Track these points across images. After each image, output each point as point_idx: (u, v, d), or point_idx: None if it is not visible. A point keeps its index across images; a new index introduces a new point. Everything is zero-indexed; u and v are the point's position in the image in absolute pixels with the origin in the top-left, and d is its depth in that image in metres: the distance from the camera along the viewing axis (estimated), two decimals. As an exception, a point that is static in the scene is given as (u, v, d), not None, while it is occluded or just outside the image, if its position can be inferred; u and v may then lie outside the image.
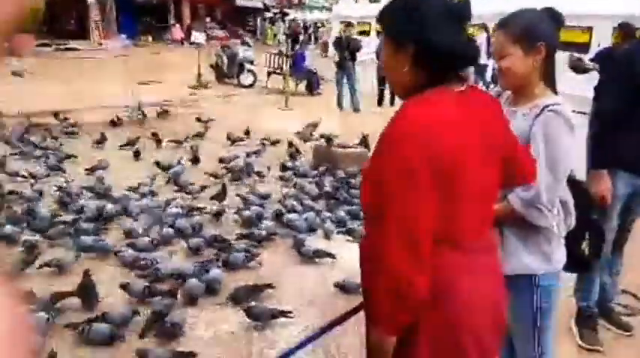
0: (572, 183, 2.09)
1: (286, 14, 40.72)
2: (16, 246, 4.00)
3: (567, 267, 2.12)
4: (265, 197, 5.23)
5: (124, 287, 3.38)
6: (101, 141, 7.21)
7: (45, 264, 3.66)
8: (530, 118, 1.92)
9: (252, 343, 3.03)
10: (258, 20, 40.84)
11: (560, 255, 2.01)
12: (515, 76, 1.96)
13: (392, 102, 10.90)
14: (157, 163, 6.08)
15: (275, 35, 31.47)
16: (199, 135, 7.84)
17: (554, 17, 1.99)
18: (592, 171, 2.97)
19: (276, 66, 13.94)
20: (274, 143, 7.44)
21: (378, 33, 11.73)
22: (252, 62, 14.35)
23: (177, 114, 9.42)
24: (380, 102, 11.84)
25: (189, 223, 4.44)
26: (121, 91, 11.29)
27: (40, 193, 5.05)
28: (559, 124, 1.87)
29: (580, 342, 3.15)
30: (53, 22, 24.55)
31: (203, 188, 5.43)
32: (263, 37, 35.72)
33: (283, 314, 3.18)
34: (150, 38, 29.91)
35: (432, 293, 1.42)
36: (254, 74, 14.11)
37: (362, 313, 1.75)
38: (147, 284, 3.43)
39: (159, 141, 7.34)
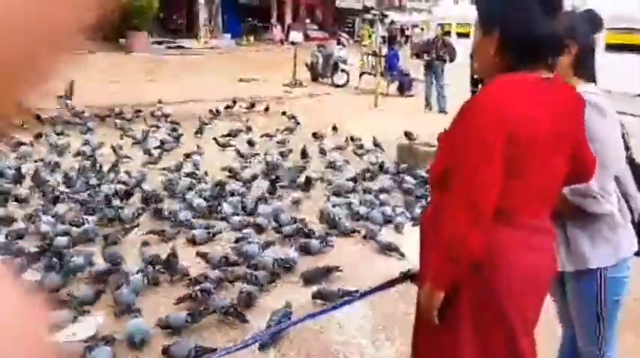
0: (631, 164, 2.10)
1: (385, 16, 40.75)
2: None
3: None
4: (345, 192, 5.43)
5: (204, 256, 3.75)
6: (200, 131, 7.79)
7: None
8: None
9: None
10: (357, 22, 41.16)
11: (627, 243, 2.00)
12: None
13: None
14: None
15: (370, 36, 31.64)
16: (289, 130, 8.22)
17: (591, 19, 2.02)
18: None
19: (369, 66, 14.13)
20: (357, 141, 7.61)
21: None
22: (345, 62, 14.63)
23: (270, 110, 9.90)
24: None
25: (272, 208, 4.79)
26: (222, 87, 12.05)
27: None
28: (591, 112, 1.88)
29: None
30: (165, 21, 26.34)
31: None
32: (360, 39, 35.94)
33: (349, 294, 3.37)
34: (252, 38, 31.22)
35: (483, 261, 1.56)
36: (347, 74, 14.38)
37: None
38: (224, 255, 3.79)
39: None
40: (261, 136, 7.80)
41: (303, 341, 3.08)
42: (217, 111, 9.26)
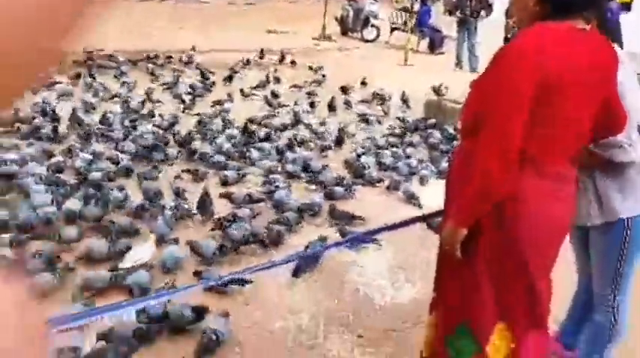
0: None
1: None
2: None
3: None
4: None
5: (229, 196, 3.91)
6: (229, 79, 7.88)
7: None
8: None
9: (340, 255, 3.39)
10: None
11: None
12: None
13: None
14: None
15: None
16: (317, 82, 8.24)
17: None
18: None
19: (400, 22, 13.89)
20: (386, 96, 7.61)
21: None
22: (376, 17, 14.39)
23: (299, 62, 9.87)
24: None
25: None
26: (251, 38, 12.02)
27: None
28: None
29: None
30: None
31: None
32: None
33: (372, 239, 3.50)
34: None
35: (507, 203, 1.65)
36: (378, 29, 14.16)
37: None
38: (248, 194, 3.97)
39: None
40: (290, 87, 7.86)
41: (326, 280, 3.23)
42: (248, 60, 9.29)
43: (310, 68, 9.15)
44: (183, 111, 6.24)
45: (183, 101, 6.58)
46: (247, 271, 2.57)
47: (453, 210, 1.82)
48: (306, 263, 3.06)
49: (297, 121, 6.14)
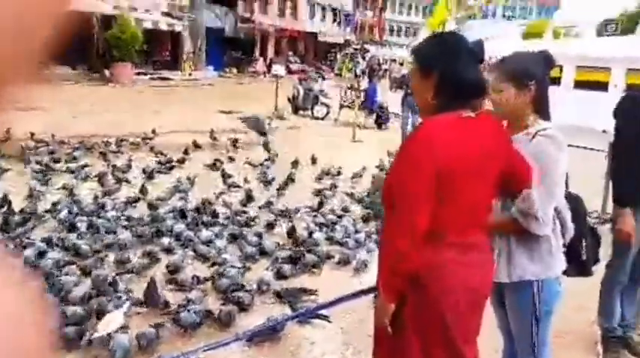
0: (569, 196, 2.41)
1: (367, 50, 41.80)
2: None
3: (569, 273, 2.43)
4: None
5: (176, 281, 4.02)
6: (182, 160, 8.06)
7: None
8: (524, 143, 2.27)
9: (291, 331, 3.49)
10: (338, 55, 42.12)
11: (559, 262, 2.30)
12: (507, 108, 2.31)
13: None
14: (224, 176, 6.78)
15: (350, 70, 32.40)
16: (270, 160, 8.53)
17: (546, 59, 2.35)
18: (616, 209, 3.20)
19: (348, 99, 14.61)
20: (335, 171, 7.94)
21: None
22: (325, 95, 15.10)
23: (252, 141, 10.18)
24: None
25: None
26: (205, 118, 12.35)
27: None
28: (549, 146, 2.19)
29: (601, 362, 3.36)
30: (149, 53, 26.76)
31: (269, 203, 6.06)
32: (340, 72, 36.78)
33: (322, 316, 3.63)
34: (235, 70, 31.80)
35: (421, 275, 1.84)
36: (327, 107, 14.83)
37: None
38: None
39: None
40: (244, 164, 8.13)
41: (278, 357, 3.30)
42: (195, 143, 9.44)
43: (264, 146, 9.44)
44: (140, 194, 6.32)
45: (134, 185, 6.68)
46: (201, 349, 2.64)
47: (380, 284, 2.00)
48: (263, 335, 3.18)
49: (249, 199, 6.31)
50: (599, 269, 3.81)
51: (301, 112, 15.28)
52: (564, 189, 2.32)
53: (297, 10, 42.03)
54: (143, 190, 6.31)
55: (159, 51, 28.44)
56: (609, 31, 17.48)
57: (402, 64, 33.49)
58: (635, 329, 3.59)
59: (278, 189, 6.84)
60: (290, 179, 7.23)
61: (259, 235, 5.09)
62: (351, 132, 11.76)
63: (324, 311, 3.67)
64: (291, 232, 5.20)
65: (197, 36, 28.77)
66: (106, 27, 22.53)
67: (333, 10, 47.05)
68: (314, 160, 8.62)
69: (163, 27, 26.44)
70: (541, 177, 2.15)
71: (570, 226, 2.36)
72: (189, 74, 26.83)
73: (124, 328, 3.24)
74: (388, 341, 2.01)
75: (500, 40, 21.11)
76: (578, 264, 2.44)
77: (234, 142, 9.83)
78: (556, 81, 16.43)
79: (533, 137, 2.22)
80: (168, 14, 27.33)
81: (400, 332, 1.94)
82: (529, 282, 2.26)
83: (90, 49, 23.14)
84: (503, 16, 38.99)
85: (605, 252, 3.29)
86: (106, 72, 22.46)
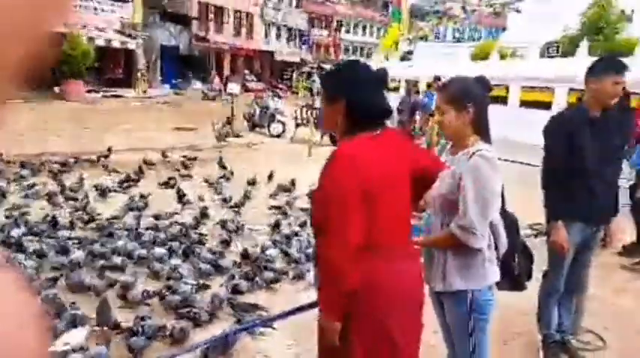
0: (504, 213, 2.57)
1: (323, 69, 42.38)
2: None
3: (503, 287, 2.59)
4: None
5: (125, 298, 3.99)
6: (137, 179, 7.99)
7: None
8: (463, 162, 2.42)
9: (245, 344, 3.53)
10: (294, 74, 42.50)
11: (492, 273, 2.43)
12: (449, 129, 2.49)
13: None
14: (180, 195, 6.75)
15: (305, 88, 32.78)
16: (225, 178, 8.55)
17: (483, 83, 2.53)
18: (551, 223, 3.40)
19: (304, 117, 14.78)
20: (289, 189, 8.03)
21: (408, 89, 12.47)
22: (282, 113, 15.23)
23: (207, 158, 10.17)
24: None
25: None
26: (159, 136, 12.24)
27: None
28: (484, 166, 2.35)
29: (543, 364, 3.53)
30: (102, 70, 26.37)
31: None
32: (296, 90, 37.11)
33: (268, 325, 3.70)
34: (190, 88, 31.63)
35: (360, 290, 1.94)
36: (283, 124, 14.95)
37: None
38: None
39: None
40: (200, 182, 8.13)
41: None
42: (145, 161, 9.25)
43: (219, 164, 9.44)
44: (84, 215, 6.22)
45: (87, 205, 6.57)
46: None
47: (320, 303, 2.09)
48: (215, 349, 3.21)
49: (203, 216, 6.31)
50: (538, 278, 4.05)
51: (258, 130, 15.35)
52: (500, 206, 2.49)
53: (253, 29, 42.29)
54: (87, 209, 6.24)
55: (112, 68, 28.06)
56: (551, 53, 18.41)
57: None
58: (574, 335, 3.80)
59: (232, 207, 6.86)
60: (246, 196, 7.26)
61: (214, 253, 5.10)
62: (307, 150, 11.90)
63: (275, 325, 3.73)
64: (245, 251, 5.23)
65: (151, 53, 28.54)
66: (57, 44, 22.08)
67: (289, 29, 47.54)
68: (270, 177, 8.68)
69: (116, 44, 26.14)
70: (476, 194, 2.30)
71: (504, 240, 2.51)
72: (144, 91, 26.53)
73: (81, 349, 3.20)
74: (334, 354, 2.09)
75: (450, 60, 21.88)
76: (511, 279, 2.60)
77: (188, 160, 9.78)
78: (503, 100, 17.17)
79: (471, 157, 2.36)
80: (121, 32, 27.03)
81: (345, 345, 2.03)
82: (464, 292, 2.40)
83: (37, 66, 22.55)
84: (454, 37, 40.33)
85: (543, 263, 3.51)
86: (56, 89, 21.98)
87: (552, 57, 18.48)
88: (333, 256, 1.93)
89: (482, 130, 2.48)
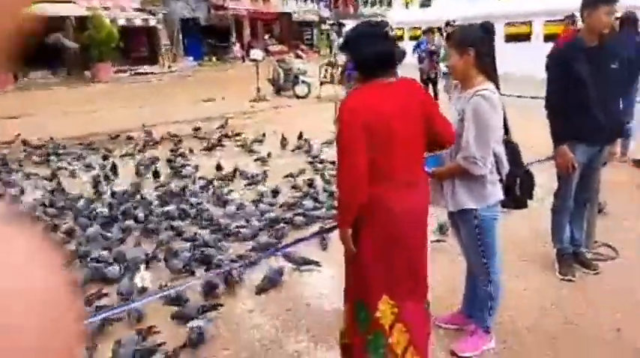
0: (506, 142, 2.94)
1: (342, 25, 41.84)
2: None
3: (507, 205, 2.99)
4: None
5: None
6: (175, 149, 8.56)
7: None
8: (466, 100, 2.79)
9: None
10: (315, 32, 42.20)
11: (495, 193, 2.84)
12: (455, 72, 2.86)
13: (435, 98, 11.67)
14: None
15: (327, 46, 32.66)
16: (259, 141, 9.03)
17: (486, 29, 2.86)
18: (555, 146, 3.74)
19: (328, 76, 15.02)
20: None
21: (425, 33, 12.53)
22: (305, 74, 15.48)
23: (238, 123, 10.64)
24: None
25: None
26: (189, 108, 12.76)
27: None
28: (484, 104, 2.71)
29: (558, 274, 3.95)
30: (127, 50, 26.94)
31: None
32: (318, 49, 36.96)
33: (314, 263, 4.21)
34: (214, 58, 32.00)
35: (371, 205, 2.37)
36: (308, 85, 15.21)
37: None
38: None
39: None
40: (236, 147, 8.67)
41: (283, 299, 3.85)
42: (196, 128, 10.06)
43: (237, 134, 9.88)
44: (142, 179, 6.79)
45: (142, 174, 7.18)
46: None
47: (337, 217, 2.57)
48: (270, 282, 3.78)
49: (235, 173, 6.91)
50: (544, 199, 4.42)
51: (283, 93, 15.68)
52: (502, 136, 2.86)
53: (269, -9, 41.97)
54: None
55: (136, 47, 28.57)
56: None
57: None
58: (588, 248, 4.17)
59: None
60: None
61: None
62: (334, 108, 12.20)
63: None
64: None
65: (172, 28, 28.90)
66: (82, 29, 22.70)
67: (305, -12, 46.96)
68: (300, 137, 9.07)
69: (138, 22, 26.56)
70: (477, 129, 2.68)
71: (506, 164, 2.89)
72: (169, 67, 27.05)
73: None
74: (351, 260, 2.55)
75: (471, 1, 21.52)
76: (514, 199, 2.99)
77: (221, 127, 10.32)
78: (527, 37, 16.99)
79: (472, 96, 2.73)
80: (141, 10, 27.42)
81: (359, 250, 2.47)
82: (470, 211, 2.82)
83: (67, 52, 23.34)
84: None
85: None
86: (86, 73, 22.71)
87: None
88: (342, 176, 2.39)
89: (486, 70, 2.83)
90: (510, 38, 16.84)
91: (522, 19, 16.75)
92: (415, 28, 22.84)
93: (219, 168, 7.29)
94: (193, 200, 5.83)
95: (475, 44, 2.79)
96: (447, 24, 11.74)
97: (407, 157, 2.46)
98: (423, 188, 2.57)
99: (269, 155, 7.91)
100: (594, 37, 3.55)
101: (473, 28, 2.89)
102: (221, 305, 3.66)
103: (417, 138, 2.49)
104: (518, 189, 3.02)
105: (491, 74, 2.86)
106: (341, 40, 22.35)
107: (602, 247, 4.34)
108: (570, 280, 3.88)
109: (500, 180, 2.89)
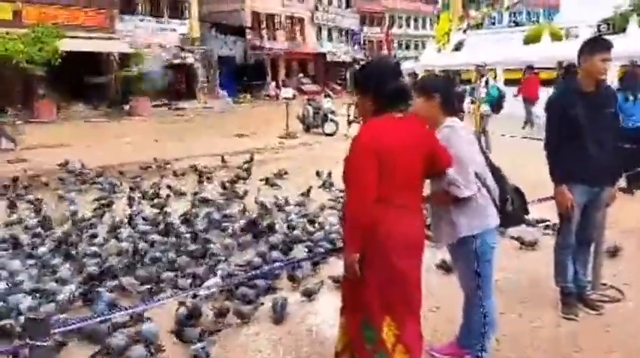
0: (491, 167, 3.10)
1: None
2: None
3: (505, 224, 3.17)
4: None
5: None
6: (202, 180, 8.91)
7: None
8: (439, 134, 2.99)
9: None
10: (348, 73, 43.06)
11: (490, 216, 2.98)
12: (420, 113, 3.02)
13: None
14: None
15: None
16: (281, 175, 9.31)
17: (448, 78, 3.11)
18: (555, 187, 3.88)
19: (352, 114, 15.38)
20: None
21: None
22: (334, 113, 15.90)
23: (267, 158, 11.00)
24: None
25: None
26: (222, 142, 13.21)
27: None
28: (450, 133, 2.93)
29: (560, 313, 4.00)
30: (166, 85, 28.06)
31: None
32: (350, 89, 37.65)
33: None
34: (248, 95, 32.99)
35: (372, 230, 2.56)
36: (336, 123, 15.59)
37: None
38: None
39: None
40: (260, 180, 8.95)
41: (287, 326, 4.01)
42: (223, 159, 10.51)
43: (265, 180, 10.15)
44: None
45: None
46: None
47: (344, 241, 2.76)
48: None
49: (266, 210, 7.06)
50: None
51: (313, 130, 16.10)
52: (483, 160, 3.03)
53: (305, 33, 43.30)
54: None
55: (174, 83, 29.74)
56: (603, 31, 18.04)
57: (410, 75, 34.00)
58: (594, 288, 4.22)
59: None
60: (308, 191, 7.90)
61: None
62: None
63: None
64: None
65: (210, 66, 30.05)
66: (124, 65, 23.88)
67: (340, 30, 48.24)
68: (329, 174, 9.23)
69: (177, 60, 27.76)
70: (452, 155, 2.88)
71: (494, 187, 3.05)
72: (205, 102, 28.02)
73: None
74: (353, 282, 2.71)
75: (501, 46, 21.80)
76: (508, 216, 3.11)
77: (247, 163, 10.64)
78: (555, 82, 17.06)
79: (442, 129, 2.98)
80: (181, 48, 28.67)
81: (361, 274, 2.64)
82: (470, 239, 2.96)
83: (109, 87, 24.53)
84: (511, 22, 39.35)
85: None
86: (126, 107, 23.73)
87: (605, 34, 18.13)
88: (350, 204, 2.60)
89: (450, 110, 3.06)
90: (545, 83, 17.01)
91: (551, 64, 16.87)
92: (445, 70, 23.17)
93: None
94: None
95: (440, 90, 3.04)
96: (478, 67, 11.84)
97: (406, 185, 2.66)
98: (419, 212, 2.78)
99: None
100: (591, 82, 3.72)
101: (436, 77, 3.15)
102: (219, 330, 3.85)
103: (416, 168, 2.69)
104: (510, 206, 3.14)
105: (455, 114, 3.10)
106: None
107: (610, 290, 4.36)
108: (572, 319, 3.92)
109: (495, 205, 3.03)
